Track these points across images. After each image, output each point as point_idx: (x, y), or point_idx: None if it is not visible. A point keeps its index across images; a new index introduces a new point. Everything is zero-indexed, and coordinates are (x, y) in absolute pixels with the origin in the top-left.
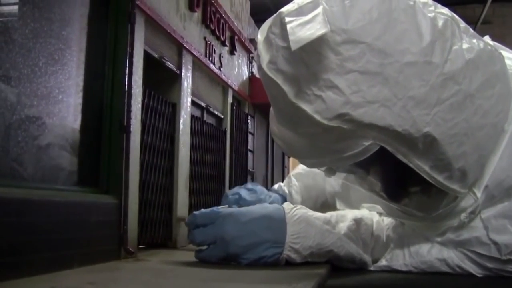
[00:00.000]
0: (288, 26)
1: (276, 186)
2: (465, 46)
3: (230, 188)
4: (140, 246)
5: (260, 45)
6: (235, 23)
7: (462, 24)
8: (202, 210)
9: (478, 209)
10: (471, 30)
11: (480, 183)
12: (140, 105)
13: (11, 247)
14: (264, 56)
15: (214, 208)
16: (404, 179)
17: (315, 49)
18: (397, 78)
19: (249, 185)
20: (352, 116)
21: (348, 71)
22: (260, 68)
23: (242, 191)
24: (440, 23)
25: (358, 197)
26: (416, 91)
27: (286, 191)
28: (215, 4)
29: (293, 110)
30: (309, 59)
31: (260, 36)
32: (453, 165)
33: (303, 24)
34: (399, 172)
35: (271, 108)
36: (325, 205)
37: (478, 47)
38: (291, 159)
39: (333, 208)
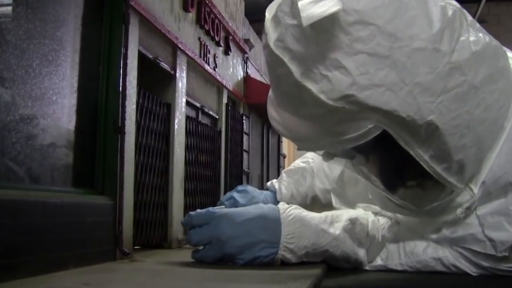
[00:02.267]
0: (299, 3)
1: (268, 183)
2: (471, 38)
3: (225, 188)
4: (136, 247)
5: (268, 23)
6: (230, 23)
7: (469, 17)
8: (198, 210)
9: (474, 205)
10: (478, 24)
11: (477, 179)
12: (134, 106)
13: (6, 248)
14: (272, 34)
15: (210, 209)
16: (402, 170)
17: (325, 27)
18: (405, 63)
19: (239, 187)
20: (358, 98)
21: (357, 52)
22: (266, 46)
23: (235, 194)
24: (450, 12)
25: (354, 194)
26: (423, 77)
27: (276, 187)
28: (209, 4)
29: (297, 90)
30: (318, 37)
31: (268, 15)
32: (453, 157)
33: (315, 2)
34: (398, 162)
35: (270, 92)
36: (316, 201)
37: (484, 41)
38: (286, 159)
39: (324, 204)
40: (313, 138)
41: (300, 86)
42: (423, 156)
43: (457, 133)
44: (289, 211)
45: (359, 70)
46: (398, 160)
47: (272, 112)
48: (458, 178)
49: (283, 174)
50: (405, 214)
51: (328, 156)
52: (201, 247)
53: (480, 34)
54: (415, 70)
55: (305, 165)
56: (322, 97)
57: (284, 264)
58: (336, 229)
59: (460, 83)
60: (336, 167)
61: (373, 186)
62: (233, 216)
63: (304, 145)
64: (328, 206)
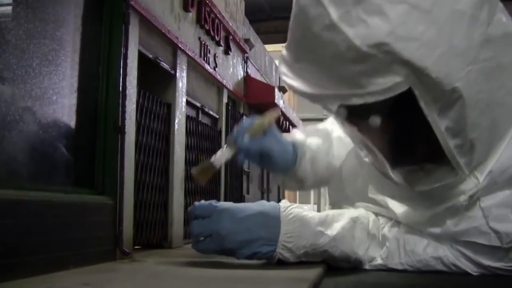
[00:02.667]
0: None
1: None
2: (504, 19)
3: (225, 188)
4: (136, 247)
5: None
6: (230, 23)
7: (500, 5)
8: (202, 202)
9: (478, 194)
10: (506, 12)
11: (483, 168)
12: (135, 106)
13: (6, 248)
14: None
15: (212, 202)
16: (411, 146)
17: None
18: (444, 23)
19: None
20: (393, 47)
21: (401, 1)
22: None
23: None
24: None
25: (353, 190)
26: (459, 42)
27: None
28: (209, 4)
29: (329, 34)
30: None
31: None
32: (467, 133)
33: None
34: (409, 135)
35: (283, 51)
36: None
37: None
38: None
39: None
40: (332, 89)
41: (335, 28)
42: (439, 125)
43: (477, 109)
44: (290, 209)
45: (399, 20)
46: (409, 133)
47: (285, 70)
48: (466, 160)
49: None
50: (404, 200)
51: (341, 114)
52: (201, 239)
53: (510, 20)
54: (453, 32)
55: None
56: (357, 42)
57: (284, 263)
58: (335, 229)
59: (490, 57)
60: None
61: (371, 168)
62: (234, 211)
63: (319, 98)
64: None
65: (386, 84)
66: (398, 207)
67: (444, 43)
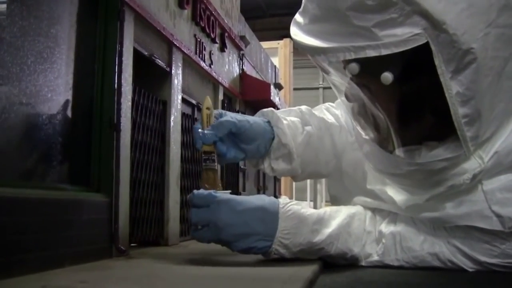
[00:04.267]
0: None
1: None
2: None
3: (221, 185)
4: (132, 244)
5: None
6: (225, 20)
7: None
8: (201, 190)
9: (482, 175)
10: None
11: (489, 147)
12: (130, 103)
13: (1, 246)
14: None
15: (212, 192)
16: (419, 117)
17: None
18: None
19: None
20: None
21: None
22: None
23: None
24: None
25: (351, 181)
26: (479, 0)
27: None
28: (205, 1)
29: None
30: None
31: None
32: (477, 102)
33: None
34: (418, 106)
35: (296, 15)
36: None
37: None
38: None
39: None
40: (347, 42)
41: None
42: (451, 88)
43: (489, 76)
44: (289, 206)
45: None
46: (419, 99)
47: (297, 31)
48: (472, 134)
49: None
50: (403, 184)
51: (353, 69)
52: (199, 227)
53: None
54: None
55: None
56: None
57: (280, 260)
58: (331, 227)
59: (509, 24)
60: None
61: (370, 144)
62: (233, 204)
63: (333, 51)
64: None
65: (403, 35)
66: (396, 195)
67: (465, 0)
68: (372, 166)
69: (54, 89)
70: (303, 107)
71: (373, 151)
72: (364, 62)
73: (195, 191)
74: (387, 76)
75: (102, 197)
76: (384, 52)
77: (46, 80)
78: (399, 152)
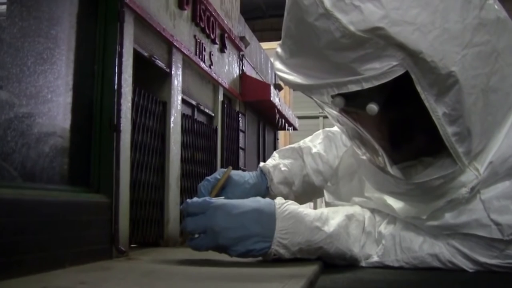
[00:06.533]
0: None
1: (261, 164)
2: (496, 6)
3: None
4: (132, 245)
5: None
6: (225, 21)
7: None
8: (195, 198)
9: (479, 186)
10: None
11: (483, 158)
12: (130, 104)
13: (1, 247)
14: None
15: (207, 198)
16: (410, 138)
17: None
18: (437, 6)
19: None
20: (387, 31)
21: None
22: None
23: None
24: None
25: (348, 189)
26: (453, 25)
27: (269, 165)
28: (204, 2)
29: (323, 23)
30: None
31: None
32: (464, 120)
33: None
34: (407, 124)
35: (277, 48)
36: (307, 182)
37: (505, 14)
38: None
39: (317, 186)
40: (328, 78)
41: (329, 16)
42: (437, 111)
43: (473, 94)
44: (285, 206)
45: (392, 5)
46: (407, 122)
47: (280, 66)
48: (465, 149)
49: (275, 154)
50: (403, 197)
51: (339, 103)
52: (196, 235)
53: (501, 8)
54: (446, 15)
55: (298, 145)
56: (351, 27)
57: (280, 260)
58: (331, 226)
59: (485, 41)
60: (332, 151)
61: (367, 167)
62: (228, 208)
63: (316, 88)
64: (319, 192)
65: (382, 68)
66: (396, 203)
67: (438, 27)
68: (371, 185)
69: (54, 90)
70: (303, 146)
71: (372, 172)
72: (349, 95)
73: (188, 200)
74: (373, 107)
75: (102, 198)
76: (366, 85)
77: (46, 81)
78: (395, 170)
